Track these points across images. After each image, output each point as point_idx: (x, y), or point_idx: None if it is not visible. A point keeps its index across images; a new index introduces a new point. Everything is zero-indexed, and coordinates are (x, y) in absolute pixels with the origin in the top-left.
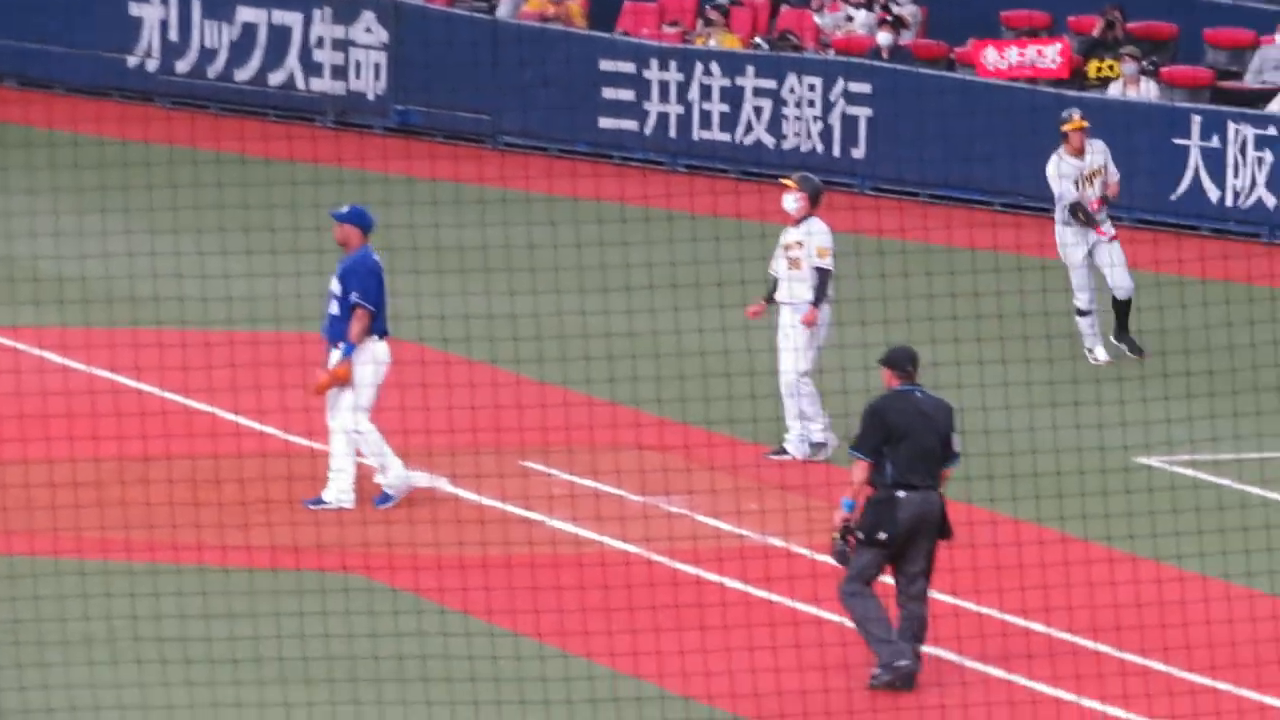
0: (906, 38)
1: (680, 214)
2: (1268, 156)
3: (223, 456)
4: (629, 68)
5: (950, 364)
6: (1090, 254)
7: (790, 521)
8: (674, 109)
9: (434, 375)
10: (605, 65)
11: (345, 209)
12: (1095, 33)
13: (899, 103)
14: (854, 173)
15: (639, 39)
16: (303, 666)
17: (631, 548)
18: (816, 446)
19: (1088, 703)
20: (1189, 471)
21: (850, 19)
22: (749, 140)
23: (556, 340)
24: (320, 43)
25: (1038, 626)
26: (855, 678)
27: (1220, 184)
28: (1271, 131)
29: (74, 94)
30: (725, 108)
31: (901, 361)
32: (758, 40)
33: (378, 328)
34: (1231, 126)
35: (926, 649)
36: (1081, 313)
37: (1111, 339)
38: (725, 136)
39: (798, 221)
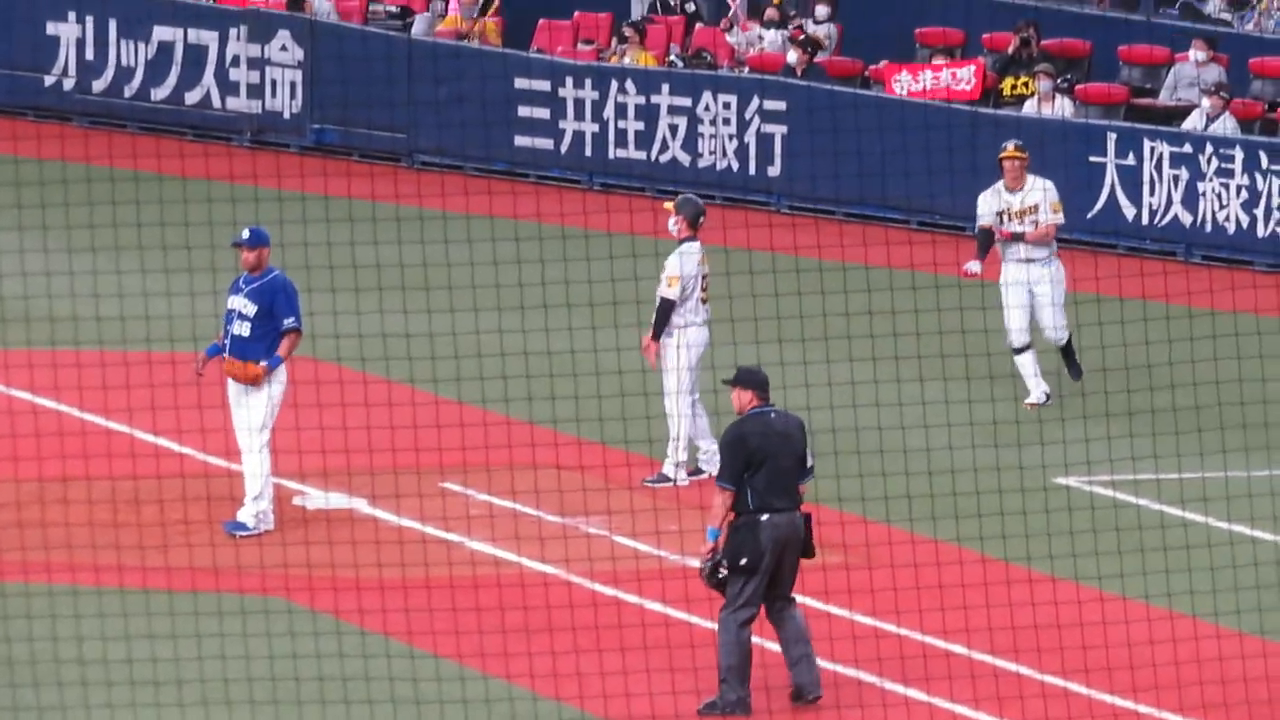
0: (823, 56)
1: (596, 233)
2: (1183, 174)
3: (142, 477)
4: (544, 86)
5: (868, 382)
6: (1031, 294)
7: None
8: (589, 127)
9: (352, 395)
10: (520, 83)
11: (248, 233)
12: (1010, 50)
13: (814, 120)
14: (770, 190)
15: (554, 57)
16: (224, 688)
17: (551, 569)
18: (698, 471)
19: None
20: (1108, 492)
21: (761, 38)
22: (665, 158)
23: (474, 359)
24: (236, 61)
25: (958, 648)
26: (777, 700)
27: (1136, 201)
28: (1187, 149)
29: None
30: (640, 126)
31: (760, 382)
32: (673, 58)
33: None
34: (1147, 144)
35: (848, 672)
36: (1017, 350)
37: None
38: (641, 154)
39: (680, 244)
